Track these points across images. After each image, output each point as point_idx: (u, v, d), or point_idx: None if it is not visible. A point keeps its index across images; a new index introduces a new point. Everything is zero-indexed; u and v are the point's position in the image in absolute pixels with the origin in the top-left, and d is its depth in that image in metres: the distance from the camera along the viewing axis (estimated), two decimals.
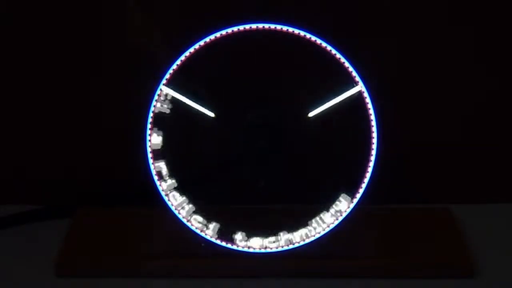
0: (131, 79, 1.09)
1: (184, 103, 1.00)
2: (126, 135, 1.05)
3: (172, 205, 1.01)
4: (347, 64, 0.99)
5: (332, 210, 1.01)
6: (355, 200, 1.01)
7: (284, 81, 1.05)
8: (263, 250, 1.01)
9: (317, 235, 1.01)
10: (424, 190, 1.15)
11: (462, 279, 1.01)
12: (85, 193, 1.15)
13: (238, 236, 1.01)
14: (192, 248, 1.02)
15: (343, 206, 1.01)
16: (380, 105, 0.99)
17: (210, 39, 0.98)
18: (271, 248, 1.01)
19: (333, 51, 0.98)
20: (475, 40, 1.10)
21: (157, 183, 1.01)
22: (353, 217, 1.01)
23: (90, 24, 1.08)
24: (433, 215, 1.10)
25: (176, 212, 1.01)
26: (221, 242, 1.01)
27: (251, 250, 1.01)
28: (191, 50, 0.98)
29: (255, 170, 1.04)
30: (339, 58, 0.98)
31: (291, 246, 1.01)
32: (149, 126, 1.00)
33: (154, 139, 1.00)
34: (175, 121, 1.01)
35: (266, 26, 0.98)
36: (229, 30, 0.98)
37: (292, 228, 1.02)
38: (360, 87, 0.99)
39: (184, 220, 1.01)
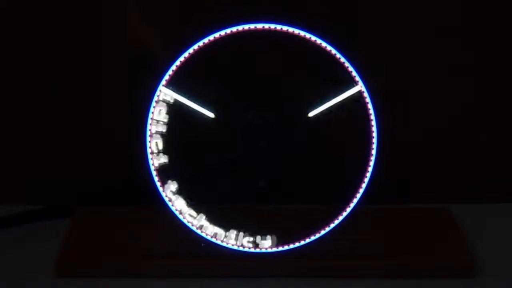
0: (131, 80, 1.09)
1: (184, 103, 1.00)
2: (126, 135, 1.05)
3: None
4: (347, 64, 0.99)
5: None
6: (355, 200, 1.01)
7: (284, 81, 1.05)
8: (263, 250, 1.01)
9: (317, 235, 1.01)
10: (424, 190, 1.15)
11: (462, 279, 1.01)
12: (85, 193, 1.15)
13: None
14: (192, 248, 1.02)
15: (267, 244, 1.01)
16: (380, 105, 0.99)
17: (210, 39, 0.98)
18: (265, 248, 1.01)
19: (333, 51, 0.98)
20: (475, 39, 1.09)
21: (157, 183, 1.01)
22: (353, 217, 1.01)
23: (90, 24, 1.08)
24: (433, 215, 1.10)
25: (176, 212, 1.01)
26: (222, 242, 1.02)
27: (251, 250, 1.01)
28: (191, 50, 0.98)
29: (255, 170, 1.04)
30: (339, 58, 0.98)
31: (291, 246, 1.01)
32: (149, 126, 1.00)
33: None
34: (175, 122, 1.01)
35: (266, 26, 0.98)
36: (229, 30, 0.98)
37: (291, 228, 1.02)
38: (360, 87, 0.99)
39: (184, 220, 1.01)
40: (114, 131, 1.12)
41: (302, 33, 0.98)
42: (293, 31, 0.98)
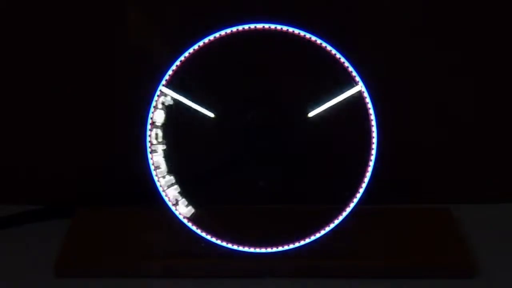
0: (131, 80, 1.08)
1: (184, 103, 1.00)
2: (126, 135, 1.05)
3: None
4: (347, 64, 0.99)
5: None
6: (355, 200, 1.01)
7: (284, 81, 1.05)
8: (263, 250, 1.01)
9: (318, 235, 1.01)
10: (424, 190, 1.15)
11: (462, 279, 1.01)
12: (85, 193, 1.15)
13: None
14: (192, 248, 1.02)
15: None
16: (380, 105, 0.99)
17: (210, 39, 0.98)
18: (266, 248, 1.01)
19: (333, 51, 0.98)
20: (476, 39, 1.09)
21: (157, 183, 1.01)
22: (353, 217, 1.01)
23: (90, 25, 1.08)
24: (433, 215, 1.10)
25: (176, 212, 1.01)
26: (221, 242, 1.02)
27: (251, 250, 1.01)
28: (191, 50, 0.98)
29: (255, 170, 1.04)
30: (339, 58, 0.98)
31: (291, 246, 1.01)
32: (149, 126, 1.00)
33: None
34: (175, 122, 1.01)
35: (266, 26, 0.98)
36: (229, 30, 0.98)
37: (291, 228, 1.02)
38: (360, 87, 0.99)
39: (184, 220, 1.01)
40: (114, 131, 1.12)
41: (302, 33, 0.98)
42: (293, 31, 0.98)
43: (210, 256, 1.02)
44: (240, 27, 0.98)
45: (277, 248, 1.01)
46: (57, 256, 1.04)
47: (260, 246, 1.01)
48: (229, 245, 1.01)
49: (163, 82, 0.99)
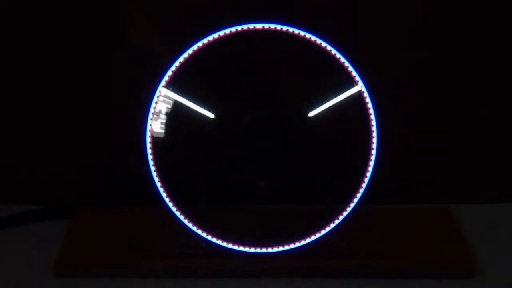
0: (131, 80, 1.08)
1: (184, 103, 1.00)
2: (126, 135, 1.05)
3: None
4: (347, 64, 0.99)
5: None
6: (355, 200, 1.01)
7: (284, 81, 1.05)
8: (263, 250, 1.01)
9: (318, 235, 1.01)
10: (424, 190, 1.15)
11: (462, 279, 1.01)
12: (85, 193, 1.15)
13: None
14: (192, 248, 1.02)
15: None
16: (380, 105, 0.99)
17: (210, 39, 0.98)
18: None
19: (333, 51, 0.98)
20: (476, 39, 1.09)
21: (157, 183, 1.01)
22: (353, 217, 1.01)
23: (90, 25, 1.08)
24: (433, 215, 1.10)
25: (176, 212, 1.01)
26: (221, 242, 1.02)
27: (251, 250, 1.01)
28: (191, 50, 0.98)
29: (255, 170, 1.04)
30: (339, 58, 0.98)
31: (291, 246, 1.01)
32: (148, 127, 1.00)
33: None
34: (175, 122, 1.01)
35: (266, 26, 0.98)
36: (229, 30, 0.98)
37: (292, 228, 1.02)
38: (360, 87, 0.99)
39: (185, 221, 1.01)
40: (114, 131, 1.12)
41: (302, 33, 0.98)
42: (293, 31, 0.98)
43: (210, 256, 1.02)
44: (240, 27, 0.98)
45: (277, 248, 1.01)
46: (57, 256, 1.04)
47: (260, 246, 1.01)
48: (229, 245, 1.01)
49: (163, 82, 0.99)
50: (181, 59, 0.98)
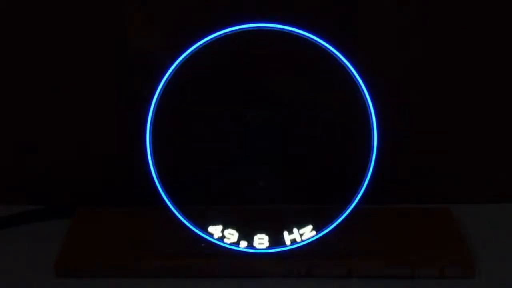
0: (131, 80, 1.09)
1: (184, 104, 1.00)
2: (126, 136, 1.05)
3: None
4: (347, 64, 0.99)
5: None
6: (355, 200, 1.01)
7: (284, 81, 1.05)
8: (263, 250, 1.01)
9: (318, 235, 1.01)
10: (424, 190, 1.15)
11: (462, 279, 1.01)
12: (85, 193, 1.15)
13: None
14: (192, 248, 1.02)
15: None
16: (380, 104, 0.99)
17: (210, 39, 0.98)
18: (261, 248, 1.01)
19: (333, 51, 0.98)
20: (477, 39, 1.09)
21: (157, 183, 1.01)
22: (353, 217, 1.01)
23: (89, 25, 1.08)
24: (433, 215, 1.10)
25: (176, 212, 1.01)
26: (222, 242, 1.02)
27: (251, 250, 1.01)
28: (191, 50, 0.98)
29: (255, 170, 1.04)
30: (339, 58, 0.98)
31: (291, 246, 1.01)
32: (148, 126, 1.00)
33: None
34: (175, 122, 1.01)
35: (266, 26, 0.98)
36: (229, 30, 0.98)
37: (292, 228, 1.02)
38: (360, 87, 0.99)
39: (185, 220, 1.01)
40: (114, 131, 1.12)
41: (302, 33, 0.98)
42: (293, 31, 0.98)
43: (210, 256, 1.02)
44: (239, 27, 0.98)
45: (277, 248, 1.01)
46: (57, 256, 1.04)
47: (260, 246, 1.01)
48: (229, 245, 1.01)
49: (163, 82, 0.99)
50: (181, 58, 0.98)
